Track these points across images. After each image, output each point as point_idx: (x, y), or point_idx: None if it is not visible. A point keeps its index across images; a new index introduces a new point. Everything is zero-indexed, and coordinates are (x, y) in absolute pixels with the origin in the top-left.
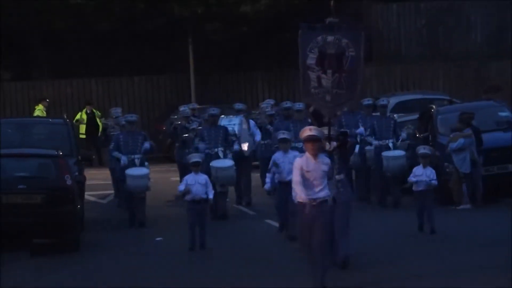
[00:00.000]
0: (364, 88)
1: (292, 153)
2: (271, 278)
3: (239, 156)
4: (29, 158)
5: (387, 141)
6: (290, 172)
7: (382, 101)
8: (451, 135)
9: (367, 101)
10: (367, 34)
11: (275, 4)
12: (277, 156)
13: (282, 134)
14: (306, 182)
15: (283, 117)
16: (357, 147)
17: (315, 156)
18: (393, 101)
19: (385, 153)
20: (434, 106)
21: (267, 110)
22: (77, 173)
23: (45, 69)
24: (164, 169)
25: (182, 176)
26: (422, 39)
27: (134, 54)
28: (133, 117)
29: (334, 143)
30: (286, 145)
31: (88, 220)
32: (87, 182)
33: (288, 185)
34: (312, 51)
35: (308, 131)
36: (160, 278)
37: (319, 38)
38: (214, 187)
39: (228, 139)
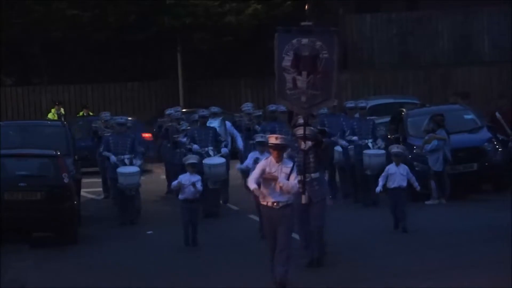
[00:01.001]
0: (340, 93)
1: (267, 155)
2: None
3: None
4: (30, 158)
5: (366, 141)
6: None
7: (362, 103)
8: (426, 137)
9: (349, 103)
10: (342, 43)
11: (257, 15)
12: (254, 155)
13: (261, 138)
14: (269, 185)
15: (270, 119)
16: (340, 147)
17: (278, 161)
18: None
19: (366, 151)
20: (404, 110)
21: (253, 112)
22: (74, 172)
23: (44, 75)
24: (153, 168)
25: (170, 175)
26: (394, 48)
27: (127, 62)
28: (122, 119)
29: (309, 143)
30: (263, 148)
31: (84, 215)
32: (83, 180)
33: None
34: (288, 53)
35: (274, 139)
36: (152, 271)
37: (294, 41)
38: (206, 185)
39: (217, 139)
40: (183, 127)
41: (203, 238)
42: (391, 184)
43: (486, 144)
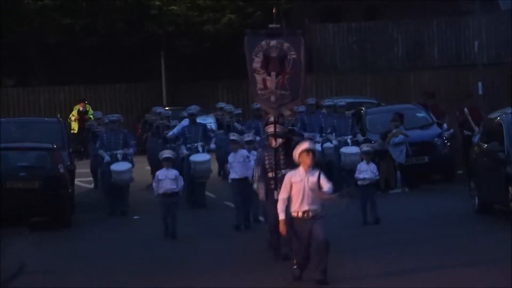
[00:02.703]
0: (306, 94)
1: (240, 152)
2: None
3: None
4: (29, 150)
5: (345, 137)
6: (241, 169)
7: (341, 102)
8: (393, 131)
9: (327, 102)
10: (308, 49)
11: (232, 24)
12: (229, 156)
13: (232, 136)
14: (297, 195)
15: (254, 116)
16: (318, 145)
17: (306, 169)
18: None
19: (342, 150)
20: (363, 108)
21: (234, 110)
22: (68, 163)
23: (42, 77)
24: (140, 160)
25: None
26: (353, 54)
27: (116, 65)
28: (114, 117)
29: (280, 140)
30: (236, 146)
31: (77, 202)
32: (77, 170)
33: (239, 181)
34: (257, 55)
35: (305, 144)
36: (137, 254)
37: (263, 43)
38: (192, 179)
39: (207, 135)
40: (173, 124)
41: (186, 226)
42: (363, 182)
43: (436, 139)
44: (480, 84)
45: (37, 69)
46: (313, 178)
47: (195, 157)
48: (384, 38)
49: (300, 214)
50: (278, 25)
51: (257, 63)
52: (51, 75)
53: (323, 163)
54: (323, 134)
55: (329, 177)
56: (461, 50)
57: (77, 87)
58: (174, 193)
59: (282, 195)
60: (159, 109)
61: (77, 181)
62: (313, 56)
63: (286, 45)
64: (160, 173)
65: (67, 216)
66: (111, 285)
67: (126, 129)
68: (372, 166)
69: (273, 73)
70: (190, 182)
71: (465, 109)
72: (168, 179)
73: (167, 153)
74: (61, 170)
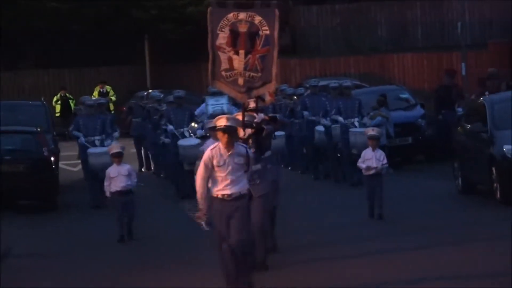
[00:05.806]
0: (289, 76)
1: None
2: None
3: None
4: (13, 134)
5: (352, 120)
6: None
7: (346, 82)
8: (371, 113)
9: (333, 83)
10: (291, 31)
11: None
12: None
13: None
14: (218, 177)
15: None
16: (322, 127)
17: (228, 148)
18: None
19: (352, 129)
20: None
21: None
22: (53, 146)
23: (28, 61)
24: (124, 143)
25: (150, 154)
26: (337, 36)
27: (101, 48)
28: (90, 101)
29: (249, 130)
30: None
31: (62, 184)
32: (61, 153)
33: None
34: (223, 30)
35: (224, 120)
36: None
37: (230, 15)
38: (181, 166)
39: (194, 120)
40: (163, 108)
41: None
42: (368, 171)
43: (419, 120)
44: (463, 65)
45: (24, 53)
46: (239, 160)
47: (184, 142)
48: (367, 20)
49: (219, 195)
50: None
51: (222, 39)
52: (37, 59)
53: (328, 145)
54: (328, 118)
55: (338, 163)
56: (445, 31)
57: (61, 70)
58: (129, 191)
59: (200, 177)
60: (153, 93)
61: (61, 164)
62: (297, 38)
63: (258, 18)
64: (112, 170)
65: (52, 199)
66: (99, 269)
67: (109, 114)
68: (379, 154)
69: (241, 52)
70: (177, 170)
71: (486, 93)
72: (121, 175)
73: (116, 148)
74: (46, 153)
